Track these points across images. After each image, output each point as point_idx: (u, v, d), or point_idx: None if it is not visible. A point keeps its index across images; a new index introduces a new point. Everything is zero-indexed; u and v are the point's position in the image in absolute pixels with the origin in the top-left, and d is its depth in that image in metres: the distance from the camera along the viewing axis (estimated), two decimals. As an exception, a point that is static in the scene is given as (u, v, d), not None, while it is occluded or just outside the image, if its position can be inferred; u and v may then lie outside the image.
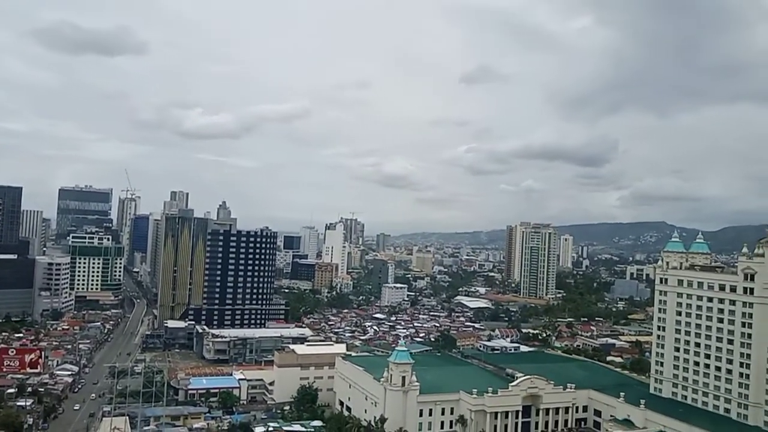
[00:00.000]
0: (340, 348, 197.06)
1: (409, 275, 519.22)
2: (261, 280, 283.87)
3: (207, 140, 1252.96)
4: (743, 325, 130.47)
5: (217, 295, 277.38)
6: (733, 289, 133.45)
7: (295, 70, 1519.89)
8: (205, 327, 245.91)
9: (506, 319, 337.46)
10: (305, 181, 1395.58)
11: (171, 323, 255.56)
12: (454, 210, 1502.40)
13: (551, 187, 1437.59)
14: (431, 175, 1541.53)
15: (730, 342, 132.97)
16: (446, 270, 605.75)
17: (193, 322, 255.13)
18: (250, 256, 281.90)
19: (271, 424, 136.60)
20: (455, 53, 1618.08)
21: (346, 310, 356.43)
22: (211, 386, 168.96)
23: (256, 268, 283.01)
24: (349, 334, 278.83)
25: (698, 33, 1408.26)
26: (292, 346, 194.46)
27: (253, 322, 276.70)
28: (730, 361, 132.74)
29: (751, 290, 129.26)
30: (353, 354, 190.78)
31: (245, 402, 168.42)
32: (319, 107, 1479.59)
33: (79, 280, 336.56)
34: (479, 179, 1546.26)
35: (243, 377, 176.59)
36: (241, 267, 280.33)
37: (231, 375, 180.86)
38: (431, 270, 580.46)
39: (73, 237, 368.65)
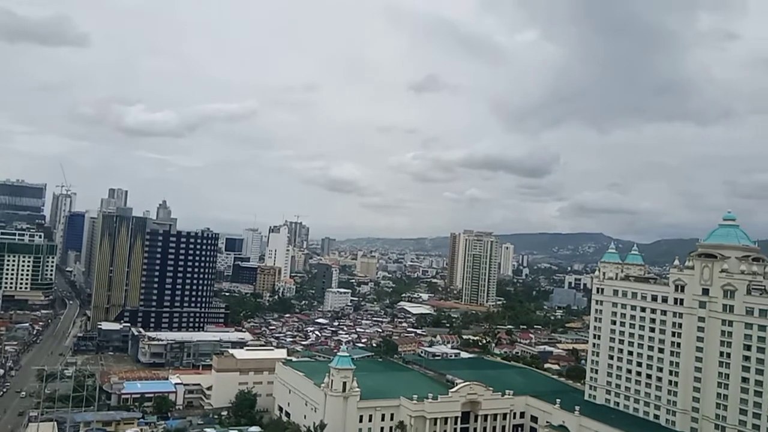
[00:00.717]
0: (281, 353, 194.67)
1: (353, 280, 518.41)
2: (201, 282, 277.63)
3: (149, 137, 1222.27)
4: (673, 334, 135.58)
5: (154, 297, 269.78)
6: (664, 300, 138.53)
7: (243, 70, 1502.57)
8: (141, 329, 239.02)
9: (448, 325, 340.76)
10: (250, 183, 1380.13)
11: (105, 325, 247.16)
12: (399, 216, 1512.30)
13: (494, 196, 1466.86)
14: (378, 180, 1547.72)
15: (661, 351, 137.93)
16: (390, 275, 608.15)
17: (129, 325, 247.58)
18: (190, 257, 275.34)
19: (208, 430, 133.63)
20: (404, 61, 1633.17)
21: (288, 315, 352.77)
22: (145, 391, 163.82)
23: (196, 270, 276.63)
24: (291, 339, 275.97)
25: (638, 53, 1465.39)
26: (231, 351, 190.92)
27: (191, 325, 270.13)
28: (660, 369, 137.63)
29: (681, 301, 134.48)
30: (294, 359, 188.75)
31: (181, 407, 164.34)
32: (266, 108, 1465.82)
33: (6, 278, 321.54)
34: (425, 186, 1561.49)
35: (179, 382, 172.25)
36: (181, 268, 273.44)
37: (167, 379, 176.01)
38: (375, 275, 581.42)
39: (1, 233, 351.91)
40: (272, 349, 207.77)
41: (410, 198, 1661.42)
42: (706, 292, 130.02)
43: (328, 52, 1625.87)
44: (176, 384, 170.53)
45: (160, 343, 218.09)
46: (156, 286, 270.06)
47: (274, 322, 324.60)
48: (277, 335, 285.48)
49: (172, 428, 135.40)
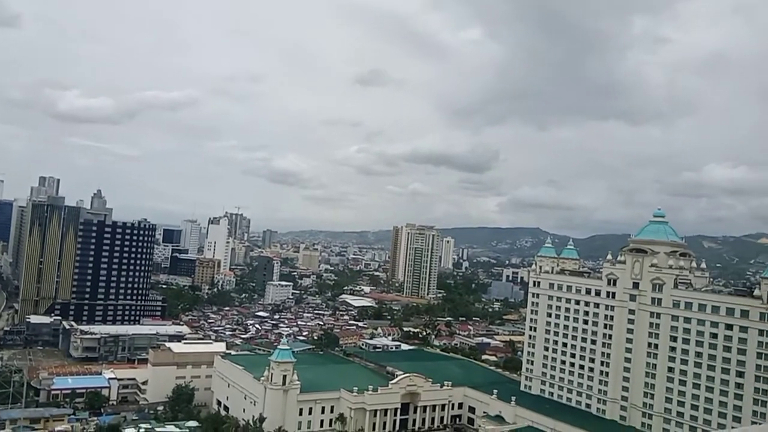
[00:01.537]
0: (220, 346, 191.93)
1: (295, 273, 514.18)
2: (137, 274, 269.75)
3: (84, 124, 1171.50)
4: (605, 326, 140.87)
5: (87, 290, 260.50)
6: (597, 293, 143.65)
7: (185, 58, 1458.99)
8: (73, 323, 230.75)
9: (389, 317, 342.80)
10: (189, 173, 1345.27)
11: (34, 318, 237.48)
12: (342, 209, 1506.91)
13: (437, 190, 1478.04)
14: (321, 173, 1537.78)
15: (593, 342, 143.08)
16: (333, 268, 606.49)
17: (60, 318, 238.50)
18: (126, 248, 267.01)
19: (143, 426, 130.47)
20: (350, 54, 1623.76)
21: (227, 308, 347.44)
22: (77, 386, 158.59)
23: (132, 261, 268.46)
24: (230, 333, 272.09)
25: (577, 54, 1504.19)
26: (168, 344, 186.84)
27: (126, 318, 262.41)
28: (592, 360, 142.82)
29: (613, 294, 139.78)
30: (233, 353, 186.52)
31: (115, 402, 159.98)
32: (209, 97, 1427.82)
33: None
34: (368, 180, 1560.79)
35: (113, 376, 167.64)
36: (116, 260, 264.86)
37: (100, 374, 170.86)
38: (318, 268, 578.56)
39: None
40: (211, 343, 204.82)
41: (354, 191, 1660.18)
42: (636, 285, 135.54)
43: (274, 43, 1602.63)
44: (110, 379, 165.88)
45: (93, 336, 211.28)
46: (89, 278, 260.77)
47: (213, 316, 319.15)
48: (216, 328, 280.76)
49: (105, 424, 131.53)
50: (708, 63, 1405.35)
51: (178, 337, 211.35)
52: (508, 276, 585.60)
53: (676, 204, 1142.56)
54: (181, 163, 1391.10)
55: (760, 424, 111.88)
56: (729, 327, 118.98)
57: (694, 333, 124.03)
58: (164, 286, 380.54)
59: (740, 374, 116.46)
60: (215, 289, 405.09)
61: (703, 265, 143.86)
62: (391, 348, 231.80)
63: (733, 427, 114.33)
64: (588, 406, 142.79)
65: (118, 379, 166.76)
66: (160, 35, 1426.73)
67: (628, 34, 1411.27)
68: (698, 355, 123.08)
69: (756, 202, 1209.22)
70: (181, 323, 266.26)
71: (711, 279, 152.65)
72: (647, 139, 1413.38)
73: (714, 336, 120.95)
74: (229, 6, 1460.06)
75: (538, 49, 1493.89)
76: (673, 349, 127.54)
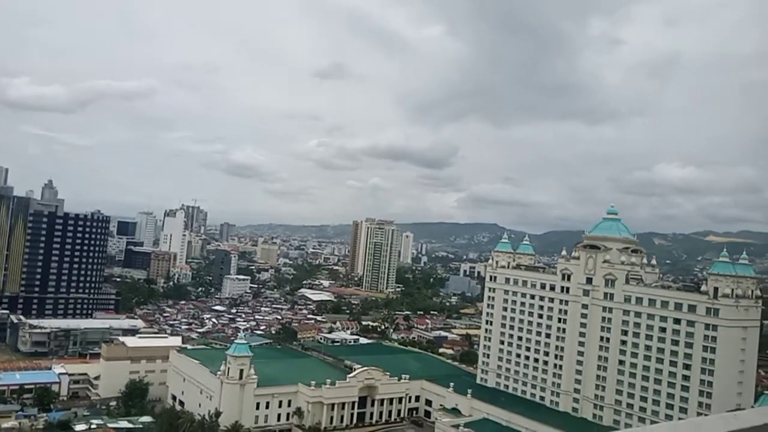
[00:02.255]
0: (176, 340, 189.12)
1: (253, 267, 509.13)
2: (89, 267, 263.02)
3: (34, 112, 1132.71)
4: (559, 320, 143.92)
5: (37, 283, 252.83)
6: (552, 288, 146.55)
7: (142, 47, 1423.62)
8: (21, 317, 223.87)
9: (348, 311, 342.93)
10: (145, 165, 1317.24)
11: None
12: (302, 203, 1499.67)
13: (396, 185, 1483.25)
14: (280, 166, 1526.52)
15: (548, 336, 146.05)
16: (291, 262, 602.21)
17: (8, 311, 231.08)
18: (78, 241, 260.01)
19: (95, 421, 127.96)
20: (310, 47, 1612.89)
21: (183, 302, 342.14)
22: (25, 382, 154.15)
23: (84, 254, 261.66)
24: (186, 327, 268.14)
25: (535, 54, 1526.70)
26: (122, 339, 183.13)
27: (78, 312, 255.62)
28: (546, 354, 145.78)
29: (567, 289, 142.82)
30: (189, 347, 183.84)
31: (66, 398, 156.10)
32: (166, 88, 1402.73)
33: None
34: (328, 174, 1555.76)
35: (64, 371, 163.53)
36: (67, 252, 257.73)
37: (50, 369, 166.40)
38: (276, 262, 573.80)
39: None
40: (166, 337, 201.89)
41: (313, 185, 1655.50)
42: (589, 281, 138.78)
43: (233, 34, 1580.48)
44: (60, 374, 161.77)
45: (43, 331, 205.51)
46: (39, 270, 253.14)
47: (169, 309, 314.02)
48: (171, 322, 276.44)
49: (54, 421, 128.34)
50: (660, 65, 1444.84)
51: (132, 331, 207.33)
52: (465, 271, 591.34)
53: (629, 202, 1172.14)
54: (137, 154, 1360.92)
55: (705, 415, 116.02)
56: (677, 321, 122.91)
57: (644, 327, 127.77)
58: (118, 280, 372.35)
59: (687, 367, 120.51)
60: (171, 283, 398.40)
61: (654, 262, 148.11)
62: (350, 342, 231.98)
63: (679, 418, 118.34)
64: (542, 398, 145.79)
65: (69, 375, 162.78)
66: (115, 22, 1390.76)
67: (584, 35, 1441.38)
68: (648, 348, 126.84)
69: (704, 200, 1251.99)
70: (136, 317, 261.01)
71: (661, 275, 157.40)
72: (602, 138, 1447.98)
73: (663, 330, 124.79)
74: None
75: (498, 47, 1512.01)
76: (624, 342, 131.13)
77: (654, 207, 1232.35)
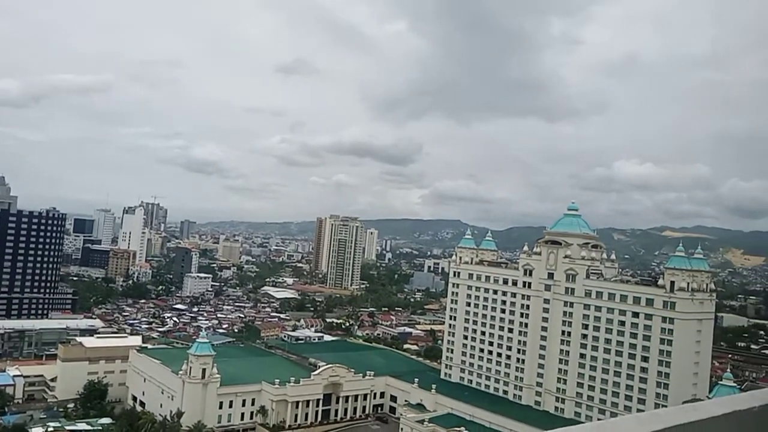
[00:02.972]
0: (135, 340, 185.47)
1: (215, 265, 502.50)
2: (44, 266, 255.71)
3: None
4: (522, 315, 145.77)
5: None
6: (514, 283, 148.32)
7: (99, 41, 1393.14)
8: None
9: (312, 309, 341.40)
10: (103, 161, 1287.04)
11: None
12: (264, 200, 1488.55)
13: (361, 182, 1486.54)
14: (242, 163, 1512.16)
15: (510, 331, 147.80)
16: (254, 260, 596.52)
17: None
18: (33, 239, 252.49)
19: (51, 424, 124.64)
20: (273, 42, 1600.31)
21: (143, 301, 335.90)
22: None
23: (39, 252, 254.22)
24: (146, 326, 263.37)
25: (497, 52, 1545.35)
26: (79, 339, 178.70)
27: (33, 312, 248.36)
28: (509, 348, 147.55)
29: (529, 284, 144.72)
30: (150, 346, 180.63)
31: (21, 401, 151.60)
32: (124, 82, 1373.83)
33: None
34: (291, 170, 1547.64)
35: (18, 374, 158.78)
36: (21, 251, 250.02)
37: (4, 371, 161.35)
38: (238, 260, 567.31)
39: None
40: (126, 337, 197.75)
41: (276, 181, 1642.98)
42: (551, 276, 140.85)
43: (194, 29, 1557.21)
44: (14, 376, 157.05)
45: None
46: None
47: (128, 309, 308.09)
48: (131, 322, 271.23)
49: (9, 424, 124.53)
50: (619, 65, 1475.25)
51: (90, 331, 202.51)
52: (429, 267, 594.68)
53: (589, 198, 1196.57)
54: (94, 150, 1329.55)
55: (663, 406, 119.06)
56: (636, 315, 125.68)
57: (604, 321, 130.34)
58: (75, 279, 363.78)
59: (645, 359, 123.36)
60: (130, 282, 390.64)
61: (613, 257, 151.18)
62: (314, 339, 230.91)
63: (638, 410, 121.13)
64: (505, 392, 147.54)
65: (24, 377, 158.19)
66: (71, 14, 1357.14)
67: (546, 34, 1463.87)
68: (608, 341, 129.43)
69: (660, 197, 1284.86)
70: (94, 317, 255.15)
71: (620, 269, 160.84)
72: (562, 135, 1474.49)
73: (622, 323, 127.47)
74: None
75: (461, 45, 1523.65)
76: (584, 336, 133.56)
77: (613, 203, 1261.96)
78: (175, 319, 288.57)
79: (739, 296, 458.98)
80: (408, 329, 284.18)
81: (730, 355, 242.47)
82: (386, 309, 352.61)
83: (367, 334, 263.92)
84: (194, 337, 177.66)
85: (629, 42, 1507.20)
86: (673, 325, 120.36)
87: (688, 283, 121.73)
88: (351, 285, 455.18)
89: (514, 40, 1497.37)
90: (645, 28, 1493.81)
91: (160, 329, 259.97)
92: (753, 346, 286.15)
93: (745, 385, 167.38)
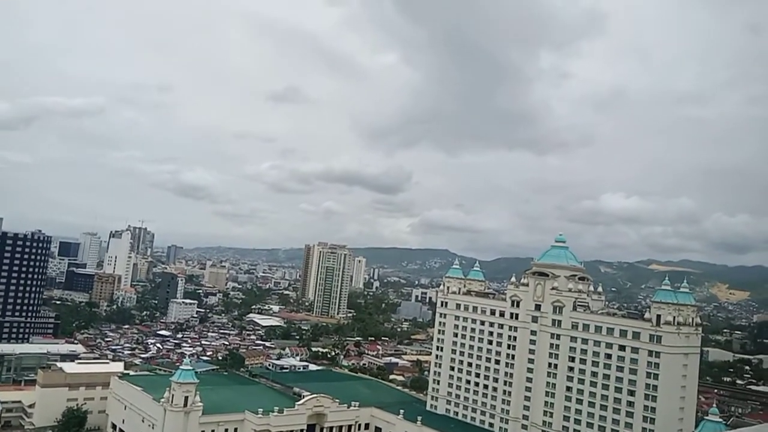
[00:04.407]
0: (118, 366, 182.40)
1: (201, 291, 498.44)
2: (27, 289, 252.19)
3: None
4: (509, 347, 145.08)
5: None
6: (501, 314, 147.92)
7: (92, 64, 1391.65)
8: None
9: (297, 337, 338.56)
10: (91, 184, 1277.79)
11: None
12: (253, 226, 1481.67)
13: (349, 210, 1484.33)
14: (231, 188, 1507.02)
15: (497, 362, 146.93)
16: (240, 286, 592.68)
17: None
18: (16, 261, 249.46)
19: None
20: (265, 70, 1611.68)
21: (127, 326, 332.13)
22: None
23: (23, 275, 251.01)
24: (129, 352, 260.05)
25: (487, 84, 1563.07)
26: (60, 364, 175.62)
27: (14, 336, 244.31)
28: (496, 380, 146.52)
29: (517, 315, 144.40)
30: (132, 373, 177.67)
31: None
32: (115, 106, 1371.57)
33: None
34: (281, 197, 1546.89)
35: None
36: (4, 273, 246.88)
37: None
38: (225, 286, 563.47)
39: None
40: (108, 363, 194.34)
41: (265, 208, 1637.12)
42: (538, 307, 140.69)
43: (187, 55, 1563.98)
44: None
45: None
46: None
47: (111, 334, 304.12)
48: (114, 347, 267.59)
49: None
50: (606, 99, 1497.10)
51: (71, 357, 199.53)
52: (417, 296, 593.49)
53: (576, 230, 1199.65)
54: (83, 174, 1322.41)
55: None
56: (622, 348, 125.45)
57: (591, 353, 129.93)
58: (58, 302, 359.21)
59: (631, 393, 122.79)
60: (114, 306, 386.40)
61: (600, 289, 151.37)
62: (299, 368, 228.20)
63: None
64: (491, 425, 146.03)
65: (2, 402, 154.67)
66: (64, 37, 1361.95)
67: (535, 67, 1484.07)
68: (594, 374, 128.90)
69: (647, 230, 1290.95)
70: (76, 342, 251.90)
71: (606, 302, 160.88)
72: (550, 167, 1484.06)
73: (608, 356, 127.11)
74: (141, 13, 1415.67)
75: (451, 77, 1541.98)
76: (571, 368, 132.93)
77: (600, 236, 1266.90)
78: (158, 345, 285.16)
79: (725, 331, 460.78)
80: (394, 359, 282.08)
81: (715, 390, 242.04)
82: (373, 338, 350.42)
83: (353, 363, 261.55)
84: (177, 364, 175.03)
85: (616, 76, 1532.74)
86: (660, 359, 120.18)
87: (674, 317, 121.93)
88: (338, 313, 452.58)
89: (505, 72, 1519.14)
90: (632, 64, 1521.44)
91: (143, 355, 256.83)
92: (738, 381, 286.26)
93: (731, 421, 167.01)
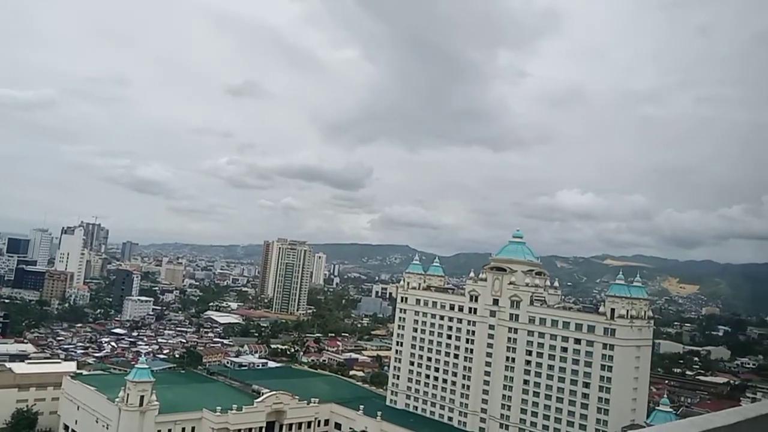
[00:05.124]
0: (70, 366, 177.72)
1: (157, 288, 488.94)
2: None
3: None
4: (467, 341, 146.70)
5: None
6: (460, 309, 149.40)
7: (44, 55, 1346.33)
8: None
9: (256, 334, 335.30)
10: (42, 178, 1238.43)
11: None
12: (210, 221, 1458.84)
13: (309, 205, 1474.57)
14: (189, 183, 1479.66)
15: (456, 357, 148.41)
16: (198, 283, 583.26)
17: None
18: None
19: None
20: (223, 64, 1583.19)
21: (80, 325, 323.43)
22: None
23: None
24: (82, 351, 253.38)
25: (446, 81, 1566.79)
26: (8, 365, 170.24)
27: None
28: (455, 374, 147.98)
29: (475, 310, 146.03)
30: (85, 372, 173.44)
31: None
32: (68, 98, 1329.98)
33: None
34: (239, 192, 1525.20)
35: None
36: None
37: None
38: (182, 283, 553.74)
39: None
40: (59, 362, 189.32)
41: (223, 203, 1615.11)
42: (496, 302, 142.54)
43: (143, 47, 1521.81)
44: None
45: None
46: None
47: (64, 333, 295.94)
48: (66, 347, 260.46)
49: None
50: (562, 97, 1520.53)
51: (21, 357, 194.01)
52: (377, 292, 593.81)
53: (533, 226, 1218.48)
54: (33, 168, 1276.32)
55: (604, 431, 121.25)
56: (578, 341, 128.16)
57: (547, 347, 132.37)
58: (7, 301, 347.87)
59: (586, 384, 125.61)
60: (67, 305, 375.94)
61: (556, 284, 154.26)
62: (258, 366, 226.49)
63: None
64: (450, 419, 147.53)
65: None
66: (15, 26, 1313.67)
67: (493, 65, 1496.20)
68: (551, 367, 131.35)
69: (601, 226, 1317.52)
70: (26, 341, 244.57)
71: (563, 296, 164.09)
72: (508, 164, 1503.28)
73: (564, 350, 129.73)
74: (97, 3, 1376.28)
75: (411, 73, 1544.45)
76: (528, 362, 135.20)
77: (556, 231, 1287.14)
78: (113, 344, 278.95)
79: (675, 323, 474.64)
80: (354, 355, 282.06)
81: (666, 381, 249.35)
82: (333, 335, 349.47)
83: (313, 360, 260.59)
84: (133, 362, 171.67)
85: (573, 76, 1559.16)
86: (613, 351, 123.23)
87: (628, 311, 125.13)
88: (297, 310, 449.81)
89: (464, 70, 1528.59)
90: (588, 64, 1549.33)
91: (96, 354, 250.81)
92: (688, 372, 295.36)
93: (680, 411, 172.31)
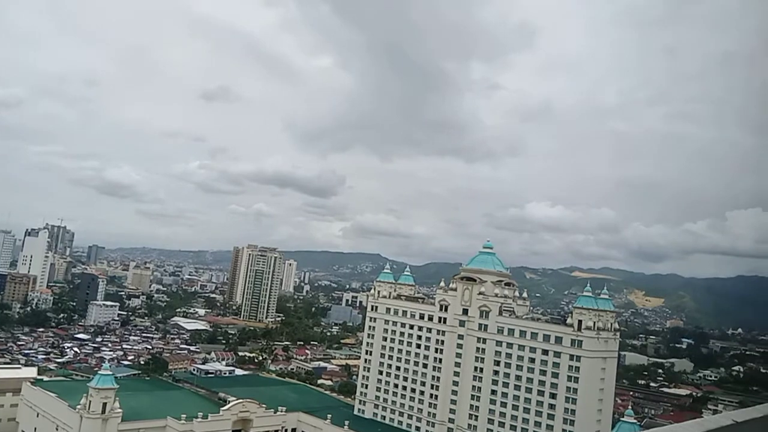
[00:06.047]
0: (30, 372, 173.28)
1: (123, 293, 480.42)
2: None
3: None
4: (436, 351, 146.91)
5: None
6: (430, 318, 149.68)
7: (10, 52, 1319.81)
8: None
9: (224, 341, 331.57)
10: (5, 179, 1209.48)
11: None
12: (179, 226, 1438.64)
13: (280, 212, 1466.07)
14: (158, 187, 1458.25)
15: (425, 366, 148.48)
16: (165, 289, 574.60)
17: None
18: None
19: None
20: (197, 67, 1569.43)
21: (41, 329, 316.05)
22: None
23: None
24: (43, 357, 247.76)
25: (420, 92, 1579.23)
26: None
27: None
28: (423, 384, 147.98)
29: (445, 320, 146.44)
30: (46, 378, 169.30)
31: None
32: (35, 97, 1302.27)
33: None
34: (209, 197, 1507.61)
35: None
36: None
37: None
38: (148, 288, 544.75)
39: None
40: (19, 368, 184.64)
41: (193, 208, 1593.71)
42: (465, 312, 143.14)
43: (115, 49, 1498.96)
44: None
45: None
46: None
47: (24, 337, 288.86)
48: (26, 352, 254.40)
49: None
50: (534, 111, 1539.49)
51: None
52: (348, 300, 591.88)
53: (503, 237, 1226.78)
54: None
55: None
56: (545, 352, 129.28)
57: (515, 357, 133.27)
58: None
59: (553, 395, 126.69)
60: (29, 308, 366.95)
61: (525, 295, 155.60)
62: (225, 373, 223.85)
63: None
64: (417, 428, 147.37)
65: None
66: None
67: (466, 78, 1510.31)
68: (518, 378, 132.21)
69: (570, 238, 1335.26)
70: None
71: (531, 307, 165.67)
72: (479, 175, 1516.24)
73: (532, 360, 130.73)
74: (70, 7, 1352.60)
75: (385, 82, 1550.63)
76: (496, 372, 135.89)
77: (525, 243, 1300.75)
78: (75, 349, 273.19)
79: (641, 335, 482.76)
80: (323, 364, 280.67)
81: (631, 393, 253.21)
82: (302, 343, 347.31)
83: (281, 368, 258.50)
84: (96, 369, 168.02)
85: (545, 90, 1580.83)
86: (580, 362, 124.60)
87: (595, 323, 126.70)
88: (266, 317, 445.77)
89: (437, 81, 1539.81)
90: (560, 78, 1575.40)
91: (59, 360, 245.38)
92: (652, 384, 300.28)
93: (645, 422, 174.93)
